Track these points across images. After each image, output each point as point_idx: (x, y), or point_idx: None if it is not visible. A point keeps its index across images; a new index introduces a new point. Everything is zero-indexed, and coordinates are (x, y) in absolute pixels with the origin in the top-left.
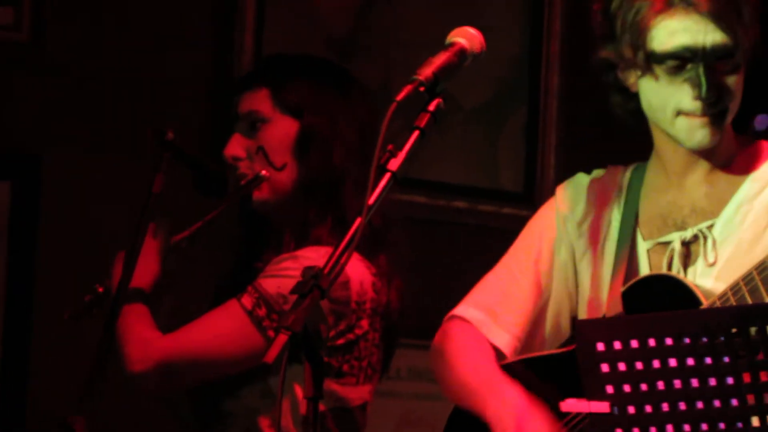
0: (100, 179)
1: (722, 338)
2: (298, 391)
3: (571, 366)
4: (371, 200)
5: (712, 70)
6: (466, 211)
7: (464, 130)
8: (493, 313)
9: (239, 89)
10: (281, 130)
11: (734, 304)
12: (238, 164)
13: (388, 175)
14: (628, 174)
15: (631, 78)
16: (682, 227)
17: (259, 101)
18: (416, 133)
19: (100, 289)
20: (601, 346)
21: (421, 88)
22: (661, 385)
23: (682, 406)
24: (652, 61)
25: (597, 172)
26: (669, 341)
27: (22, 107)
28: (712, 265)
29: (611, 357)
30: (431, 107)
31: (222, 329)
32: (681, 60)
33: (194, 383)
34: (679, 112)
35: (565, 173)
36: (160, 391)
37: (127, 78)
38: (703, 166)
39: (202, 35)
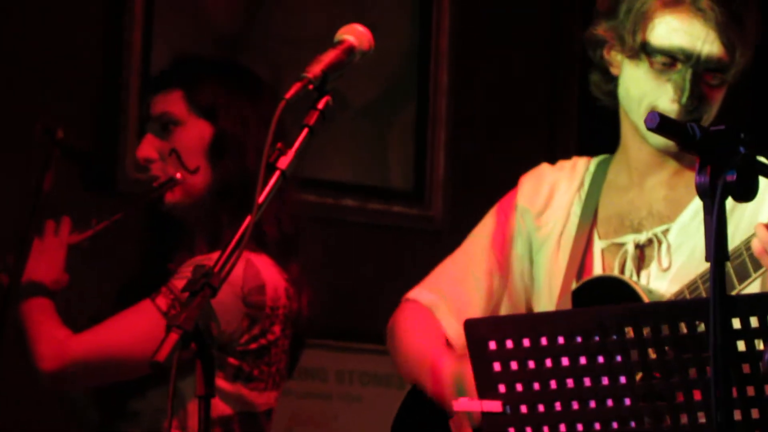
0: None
1: (614, 337)
2: None
3: None
4: (261, 199)
5: (698, 79)
6: (355, 209)
7: (353, 127)
8: (447, 300)
9: (152, 90)
10: (195, 132)
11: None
12: (150, 166)
13: (277, 173)
14: (592, 167)
15: (618, 60)
16: (638, 229)
17: (173, 103)
18: (305, 131)
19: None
20: (492, 345)
21: (310, 86)
22: (553, 384)
23: (575, 405)
24: (645, 51)
25: (561, 164)
26: (561, 340)
27: None
28: (666, 270)
29: (503, 356)
30: (320, 105)
31: (136, 329)
32: (672, 59)
33: (106, 383)
34: (653, 109)
35: (454, 171)
36: (70, 390)
37: (14, 75)
38: (666, 168)
39: (91, 32)
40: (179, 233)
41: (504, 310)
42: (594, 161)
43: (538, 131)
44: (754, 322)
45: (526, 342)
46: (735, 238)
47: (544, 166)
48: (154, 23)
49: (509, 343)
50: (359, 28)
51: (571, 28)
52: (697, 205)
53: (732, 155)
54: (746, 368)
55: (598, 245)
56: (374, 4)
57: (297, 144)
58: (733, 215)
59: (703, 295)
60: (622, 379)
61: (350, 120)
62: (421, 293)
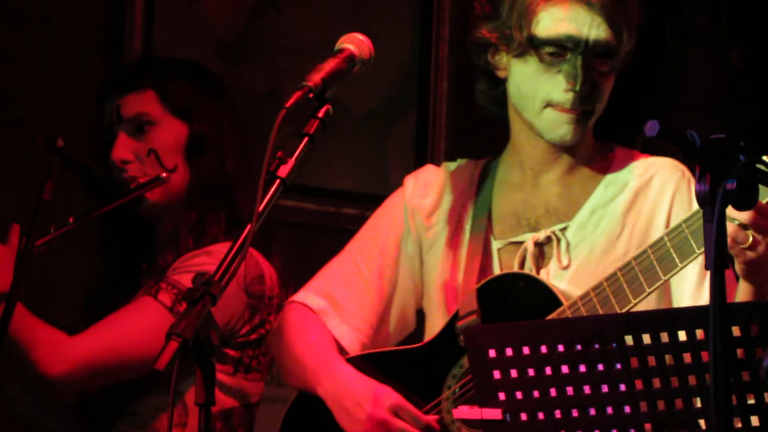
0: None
1: (614, 345)
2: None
3: (411, 362)
4: (261, 207)
5: (589, 66)
6: (355, 217)
7: (354, 136)
8: (335, 303)
9: (119, 91)
10: (171, 132)
11: (597, 304)
12: (126, 167)
13: (277, 182)
14: (479, 169)
15: (503, 62)
16: (535, 228)
17: (147, 103)
18: (305, 140)
19: None
20: (492, 353)
21: (310, 95)
22: (553, 392)
23: (575, 413)
24: (532, 45)
25: (447, 165)
26: (561, 348)
27: None
28: (566, 268)
29: (503, 364)
30: (320, 114)
31: (143, 326)
32: (561, 48)
33: (114, 381)
34: (548, 104)
35: None
36: (78, 391)
37: (13, 81)
38: (559, 165)
39: (91, 38)
40: (147, 233)
41: (395, 311)
42: (481, 163)
43: None
44: (754, 330)
45: (525, 350)
46: (633, 238)
47: (430, 167)
48: (155, 32)
49: (509, 351)
50: (359, 36)
51: None
52: (593, 203)
53: (732, 163)
54: (746, 376)
55: (494, 245)
56: (375, 14)
57: (297, 153)
58: (630, 215)
59: (610, 297)
60: (622, 387)
61: (351, 129)
62: (308, 297)
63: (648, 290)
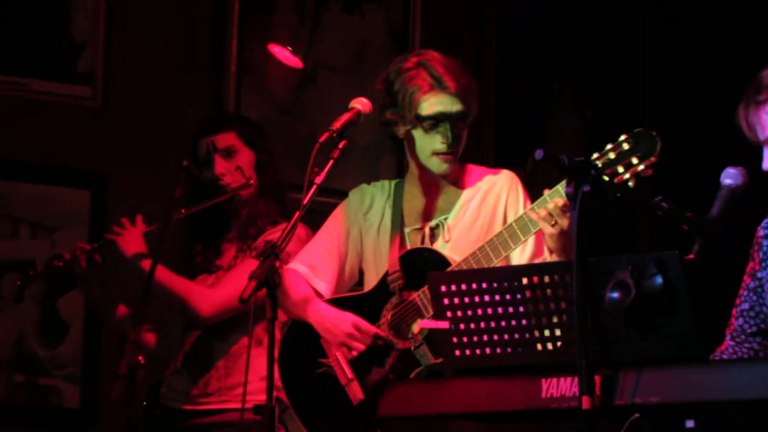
0: (145, 190)
1: (516, 283)
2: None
3: (362, 302)
4: (305, 201)
5: (454, 127)
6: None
7: (359, 160)
8: (313, 268)
9: (211, 132)
10: (247, 156)
11: (473, 264)
12: (223, 178)
13: (314, 187)
14: (392, 186)
15: (402, 131)
16: (429, 218)
17: (232, 139)
18: (331, 162)
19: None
20: (443, 288)
21: (334, 134)
22: (479, 311)
23: (492, 324)
24: (419, 120)
25: (374, 183)
26: (484, 285)
27: (94, 143)
28: (447, 242)
29: (449, 294)
30: (340, 146)
31: None
32: (436, 121)
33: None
34: (433, 153)
35: None
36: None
37: (158, 123)
38: (439, 183)
39: (204, 103)
40: (222, 218)
41: (347, 271)
42: (393, 183)
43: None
44: (601, 276)
45: (463, 286)
46: (485, 220)
47: (364, 185)
48: (242, 93)
49: (453, 287)
50: (364, 99)
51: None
52: (461, 201)
53: (587, 176)
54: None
55: (406, 230)
56: (373, 88)
57: (327, 169)
58: (483, 207)
59: (483, 261)
60: (521, 309)
61: (358, 157)
62: (296, 265)
63: (504, 254)
